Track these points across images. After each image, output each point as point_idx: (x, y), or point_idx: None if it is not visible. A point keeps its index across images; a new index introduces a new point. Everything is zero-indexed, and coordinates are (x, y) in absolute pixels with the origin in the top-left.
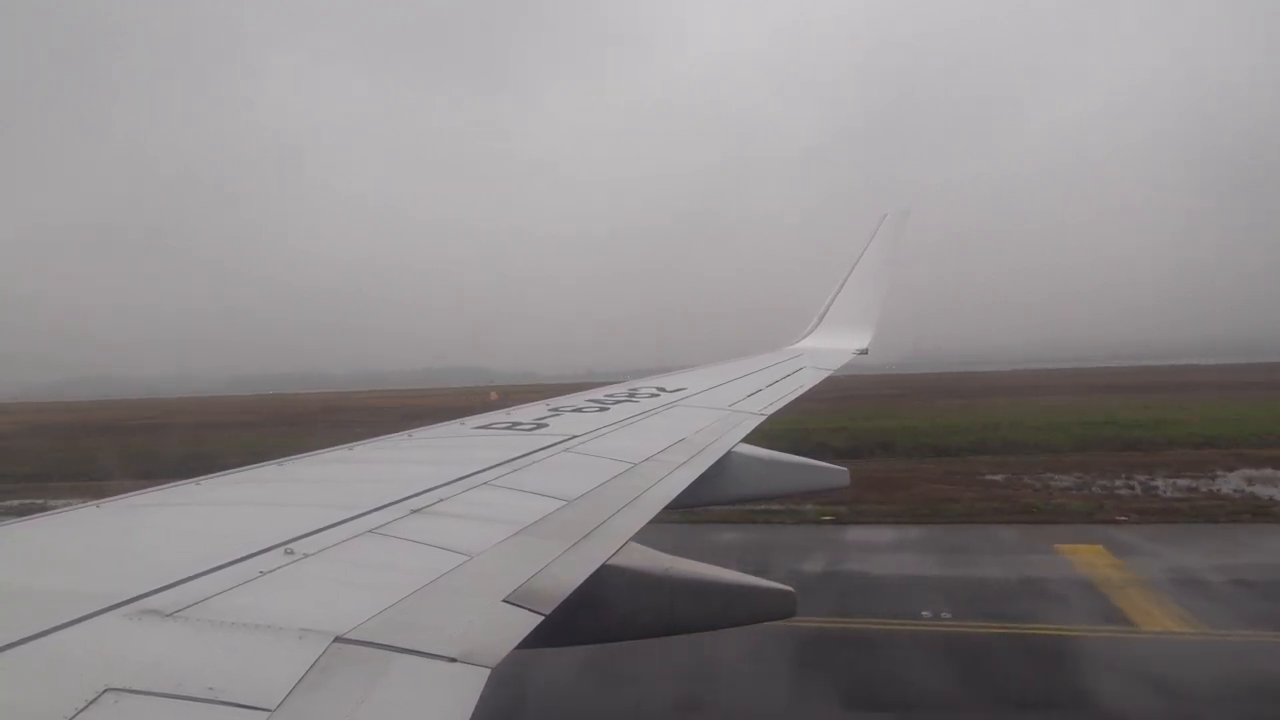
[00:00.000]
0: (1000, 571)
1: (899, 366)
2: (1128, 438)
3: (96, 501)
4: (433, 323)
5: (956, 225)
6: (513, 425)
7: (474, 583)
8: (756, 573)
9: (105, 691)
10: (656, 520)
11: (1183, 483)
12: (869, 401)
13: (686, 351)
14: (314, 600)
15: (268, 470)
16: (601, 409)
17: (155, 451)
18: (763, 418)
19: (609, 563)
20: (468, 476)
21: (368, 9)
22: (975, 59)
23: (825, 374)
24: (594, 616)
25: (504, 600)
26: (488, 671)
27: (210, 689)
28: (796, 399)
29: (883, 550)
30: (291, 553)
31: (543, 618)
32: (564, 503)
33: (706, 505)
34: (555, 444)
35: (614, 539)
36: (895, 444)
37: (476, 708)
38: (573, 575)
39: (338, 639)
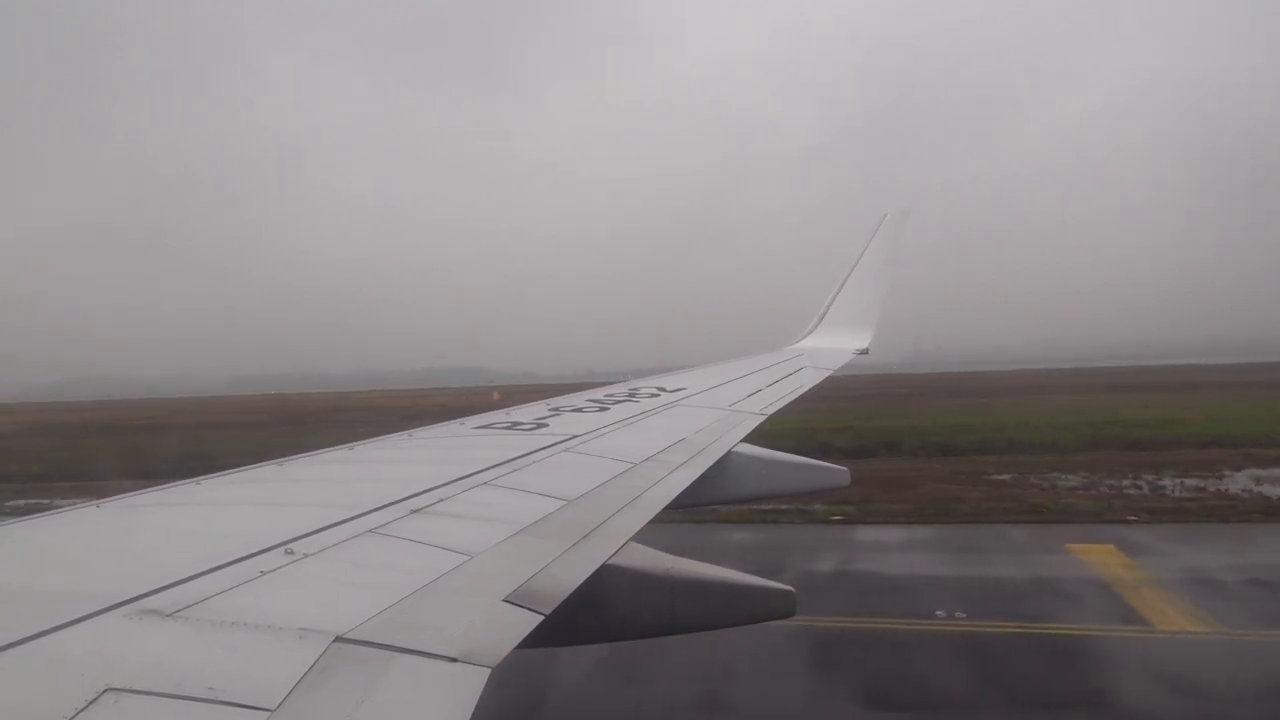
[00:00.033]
0: (1013, 571)
1: (899, 366)
2: (1133, 437)
3: (97, 501)
4: (433, 323)
5: (956, 225)
6: (513, 425)
7: (474, 583)
8: (769, 573)
9: (105, 691)
10: (657, 520)
11: (1191, 482)
12: (871, 401)
13: (686, 351)
14: (314, 600)
15: (267, 470)
16: (602, 409)
17: (155, 451)
18: (763, 417)
19: (609, 563)
20: (468, 476)
21: (368, 9)
22: (975, 59)
23: (825, 374)
24: (594, 616)
25: (504, 600)
26: (488, 671)
27: (210, 689)
28: (797, 399)
29: (893, 550)
30: (291, 553)
31: (543, 617)
32: (564, 502)
33: (707, 505)
34: (555, 444)
35: (614, 539)
36: (900, 444)
37: (477, 707)
38: (573, 575)
39: (338, 639)
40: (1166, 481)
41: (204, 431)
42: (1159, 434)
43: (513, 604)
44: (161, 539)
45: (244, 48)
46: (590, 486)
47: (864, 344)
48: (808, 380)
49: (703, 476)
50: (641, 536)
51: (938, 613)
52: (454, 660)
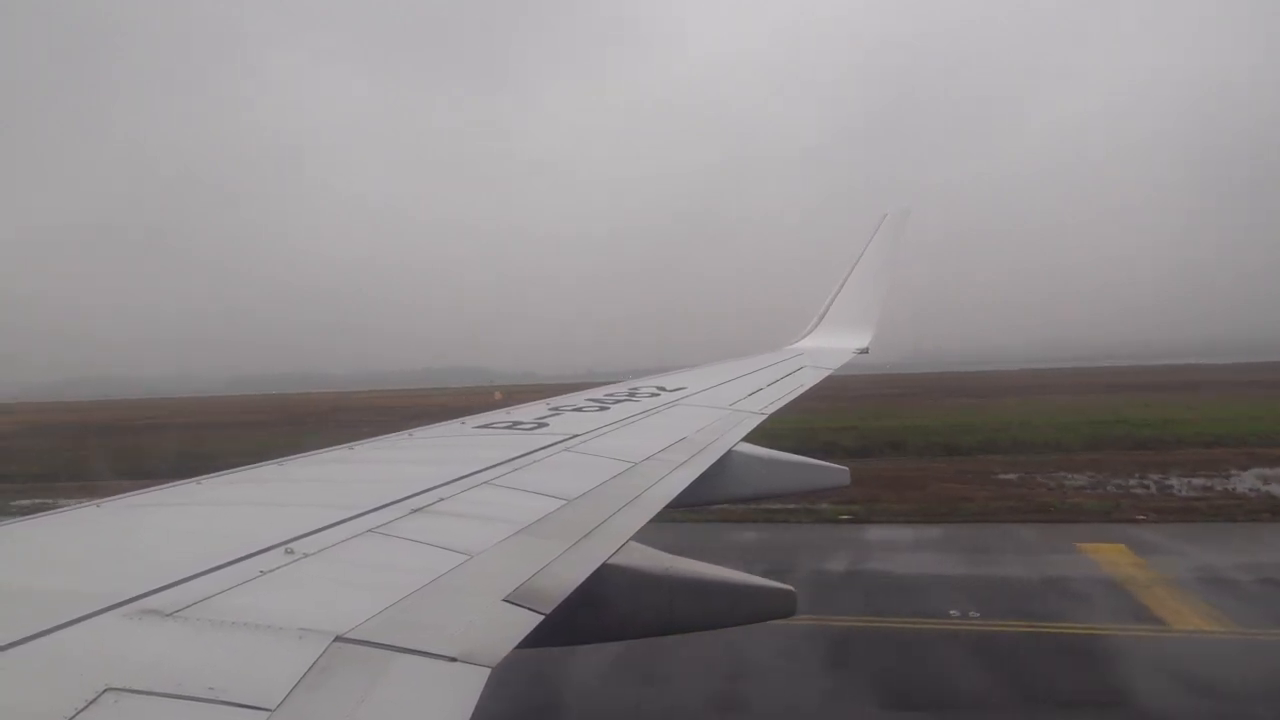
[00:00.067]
0: (1024, 571)
1: (899, 366)
2: (1138, 437)
3: (97, 501)
4: (433, 323)
5: (956, 225)
6: (513, 424)
7: (474, 582)
8: (782, 573)
9: (105, 691)
10: (657, 519)
11: (1198, 481)
12: (873, 401)
13: (686, 351)
14: (314, 600)
15: (267, 470)
16: (602, 408)
17: (155, 451)
18: (763, 417)
19: (609, 562)
20: (468, 476)
21: (368, 9)
22: (975, 59)
23: (826, 373)
24: (594, 616)
25: (504, 600)
26: (488, 671)
27: (210, 689)
28: (797, 398)
29: (903, 549)
30: (292, 552)
31: (543, 617)
32: (564, 502)
33: (707, 504)
34: (555, 443)
35: (614, 538)
36: (904, 443)
37: (477, 707)
38: (573, 574)
39: (338, 639)
40: (1173, 481)
41: (204, 431)
42: (1162, 433)
43: (513, 604)
44: (161, 539)
45: (244, 48)
46: (590, 486)
47: (864, 343)
48: (808, 380)
49: (703, 476)
50: (642, 536)
51: (951, 612)
52: (454, 660)
